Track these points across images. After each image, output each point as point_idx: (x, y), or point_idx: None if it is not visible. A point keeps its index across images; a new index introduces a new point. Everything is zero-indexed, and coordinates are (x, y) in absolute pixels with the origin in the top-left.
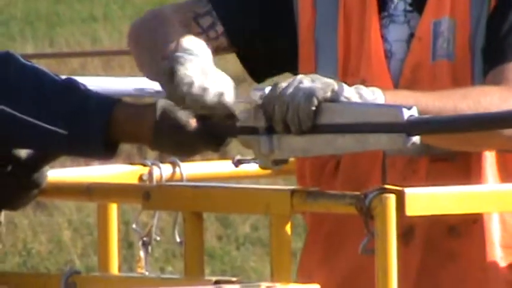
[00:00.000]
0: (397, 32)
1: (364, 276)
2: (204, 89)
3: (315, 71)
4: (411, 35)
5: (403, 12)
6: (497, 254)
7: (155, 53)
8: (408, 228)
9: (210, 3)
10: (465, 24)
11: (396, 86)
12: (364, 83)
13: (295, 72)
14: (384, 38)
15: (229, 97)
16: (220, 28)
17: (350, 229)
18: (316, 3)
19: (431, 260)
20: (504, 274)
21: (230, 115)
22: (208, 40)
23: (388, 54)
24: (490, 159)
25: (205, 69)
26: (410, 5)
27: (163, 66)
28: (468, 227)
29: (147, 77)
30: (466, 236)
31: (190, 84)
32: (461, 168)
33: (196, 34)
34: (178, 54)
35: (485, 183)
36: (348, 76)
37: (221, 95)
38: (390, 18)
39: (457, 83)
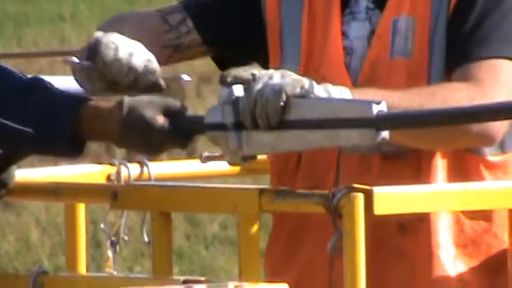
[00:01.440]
0: (358, 29)
1: (322, 274)
2: (131, 54)
3: (280, 65)
4: (372, 32)
5: (365, 10)
6: (449, 253)
7: None
8: None
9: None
10: (424, 23)
11: (355, 82)
12: (324, 79)
13: (263, 63)
14: (345, 35)
15: (155, 65)
16: (190, 23)
17: (311, 226)
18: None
19: (380, 259)
20: (457, 273)
21: (155, 84)
22: (180, 36)
23: (349, 51)
24: (440, 159)
25: (128, 40)
26: (373, 2)
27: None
28: (415, 225)
29: None
30: (414, 234)
31: (116, 48)
32: (412, 166)
33: (165, 32)
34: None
35: (435, 180)
36: (310, 72)
37: (148, 60)
38: (352, 15)
39: (413, 81)
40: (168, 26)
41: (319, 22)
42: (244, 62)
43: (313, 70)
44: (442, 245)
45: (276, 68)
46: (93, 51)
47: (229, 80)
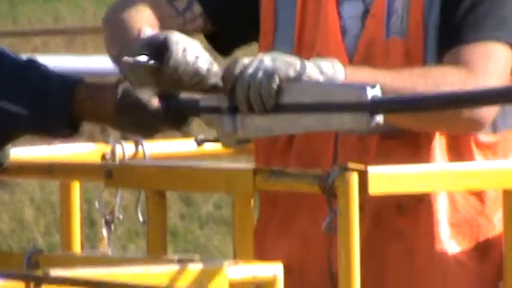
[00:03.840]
0: (351, 9)
1: (318, 252)
2: (197, 56)
3: (273, 44)
4: (366, 12)
5: None
6: (445, 233)
7: (120, 39)
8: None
9: None
10: (418, 2)
11: (351, 62)
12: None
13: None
14: (339, 14)
15: (217, 67)
16: (196, 9)
17: (303, 207)
18: None
19: (379, 237)
20: (453, 253)
21: (216, 86)
22: (185, 22)
23: (343, 31)
24: (439, 138)
25: (191, 40)
26: None
27: (141, 43)
28: (414, 205)
29: (113, 63)
30: (413, 214)
31: (185, 50)
32: (411, 146)
33: (171, 17)
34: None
35: (433, 160)
36: (302, 50)
37: (211, 63)
38: None
39: (410, 60)
40: (175, 12)
41: (311, 1)
42: (244, 42)
43: (305, 49)
44: (439, 225)
45: (266, 50)
46: (160, 51)
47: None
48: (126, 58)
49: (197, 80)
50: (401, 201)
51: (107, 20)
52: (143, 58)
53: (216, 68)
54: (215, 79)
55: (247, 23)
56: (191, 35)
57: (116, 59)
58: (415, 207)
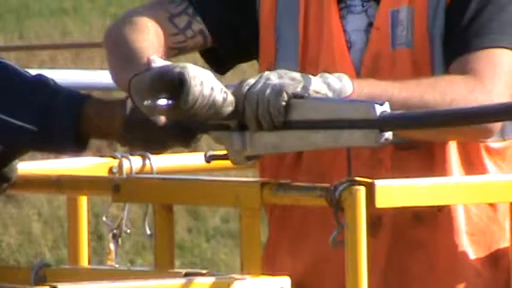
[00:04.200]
0: (355, 22)
1: (328, 268)
2: (212, 89)
3: (275, 60)
4: (369, 25)
5: (360, 2)
6: (463, 242)
7: (126, 63)
8: (376, 220)
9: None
10: (423, 12)
11: (358, 75)
12: (327, 72)
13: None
14: (342, 28)
15: (231, 97)
16: (196, 26)
17: (314, 221)
18: None
19: (399, 249)
20: (470, 261)
21: (233, 114)
22: (185, 40)
23: (348, 45)
24: (453, 148)
25: (204, 72)
26: None
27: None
28: (434, 216)
29: (116, 84)
30: (432, 225)
31: (201, 84)
32: (426, 157)
33: (172, 35)
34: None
35: (450, 171)
36: (306, 66)
37: (225, 93)
38: (348, 8)
39: (417, 70)
40: (176, 29)
41: (313, 16)
42: (241, 60)
43: (309, 64)
44: (458, 235)
45: (270, 67)
46: (175, 85)
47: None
48: (147, 103)
49: (213, 112)
50: (420, 211)
51: (110, 36)
52: (163, 102)
53: (230, 97)
54: (230, 108)
55: (245, 41)
56: (190, 52)
57: (122, 84)
58: (434, 217)
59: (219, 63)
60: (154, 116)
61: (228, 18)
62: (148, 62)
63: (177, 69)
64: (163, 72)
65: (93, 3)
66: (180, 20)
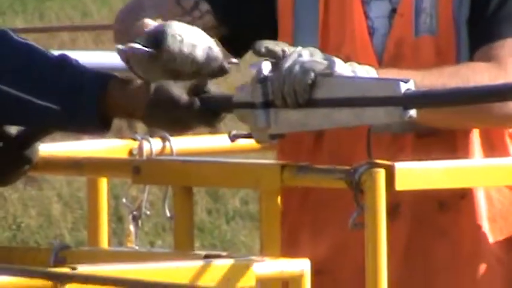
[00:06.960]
0: (378, 9)
1: (350, 251)
2: (194, 45)
3: (293, 45)
4: (393, 11)
5: None
6: (486, 228)
7: (127, 33)
8: (394, 206)
9: None
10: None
11: (380, 61)
12: (348, 59)
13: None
14: (365, 14)
15: (216, 50)
16: (204, 6)
17: (336, 205)
18: None
19: (421, 236)
20: (492, 247)
21: (219, 69)
22: (193, 21)
23: (371, 31)
24: (476, 134)
25: (190, 28)
26: None
27: (143, 34)
28: (457, 202)
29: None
30: (455, 211)
31: (181, 41)
32: (448, 143)
33: (179, 17)
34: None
35: (472, 156)
36: (327, 52)
37: (209, 48)
38: None
39: (441, 58)
40: (183, 11)
41: (334, 3)
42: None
43: (331, 50)
44: (480, 221)
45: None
46: (156, 41)
47: (262, 50)
48: (119, 46)
49: (195, 69)
50: (442, 198)
51: (117, 21)
52: (136, 45)
53: (215, 52)
54: (216, 64)
55: (260, 24)
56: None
57: (120, 51)
58: (457, 204)
59: (234, 47)
60: (141, 67)
61: (238, 5)
62: (143, 27)
63: (159, 27)
64: (149, 31)
65: None
66: (187, 2)
